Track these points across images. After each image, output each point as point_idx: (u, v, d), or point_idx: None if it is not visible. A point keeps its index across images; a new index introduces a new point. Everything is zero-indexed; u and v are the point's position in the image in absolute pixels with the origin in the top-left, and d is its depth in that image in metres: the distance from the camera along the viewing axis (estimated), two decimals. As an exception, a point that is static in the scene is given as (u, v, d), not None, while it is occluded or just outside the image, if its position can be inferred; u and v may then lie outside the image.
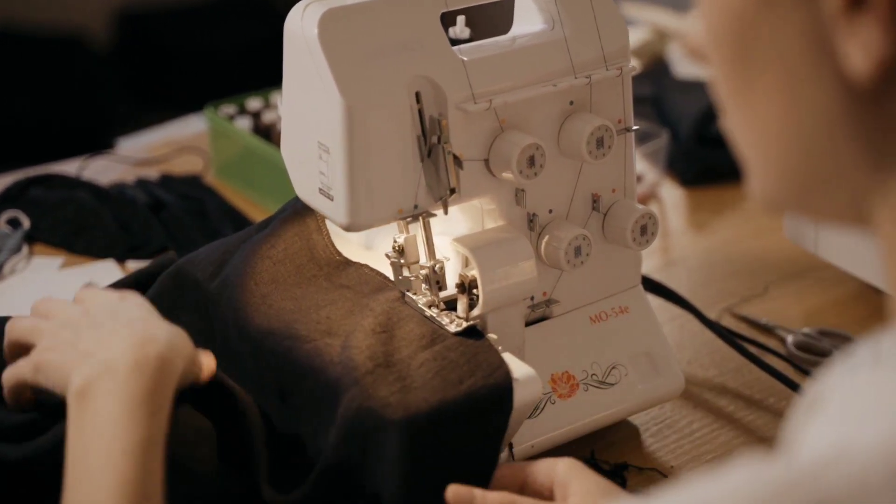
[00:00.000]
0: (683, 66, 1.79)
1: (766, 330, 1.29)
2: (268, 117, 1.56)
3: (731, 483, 0.52)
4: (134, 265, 1.41)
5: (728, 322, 1.30)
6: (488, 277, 1.01)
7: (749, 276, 1.40)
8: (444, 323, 1.01)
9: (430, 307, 1.04)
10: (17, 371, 0.94)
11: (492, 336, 1.01)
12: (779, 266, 1.41)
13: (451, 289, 1.05)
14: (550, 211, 1.07)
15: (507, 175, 1.02)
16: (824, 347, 1.25)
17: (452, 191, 1.00)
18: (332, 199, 0.99)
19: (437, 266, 1.04)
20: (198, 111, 1.75)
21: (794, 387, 1.15)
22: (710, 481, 0.53)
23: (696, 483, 0.53)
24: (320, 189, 1.01)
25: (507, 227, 1.05)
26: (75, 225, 1.46)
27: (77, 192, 1.53)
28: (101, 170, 1.64)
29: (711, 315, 1.27)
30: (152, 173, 1.62)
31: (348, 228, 1.00)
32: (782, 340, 1.27)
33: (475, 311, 1.02)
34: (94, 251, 1.44)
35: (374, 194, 0.99)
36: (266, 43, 2.37)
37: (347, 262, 1.07)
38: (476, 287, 1.02)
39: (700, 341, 1.26)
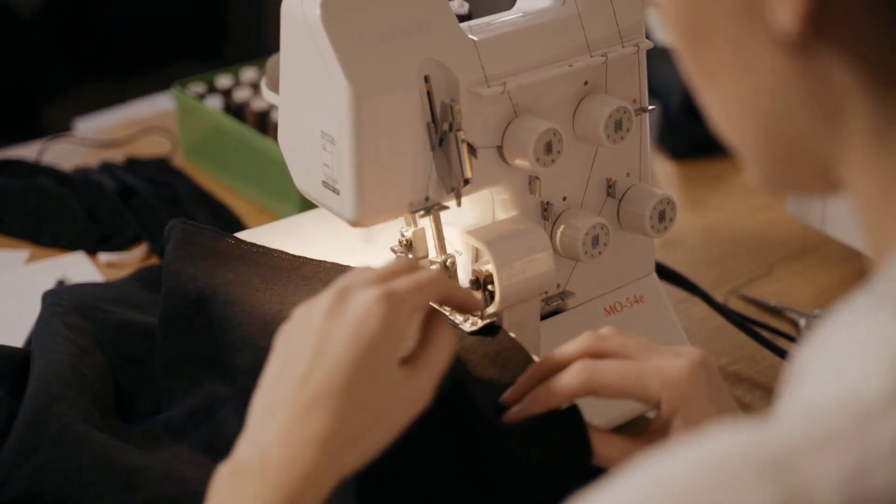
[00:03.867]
0: (666, 32, 1.73)
1: (776, 312, 1.24)
2: (239, 96, 1.48)
3: (698, 452, 0.51)
4: (106, 257, 1.33)
5: (735, 305, 1.25)
6: (505, 272, 0.95)
7: (752, 254, 1.34)
8: (457, 322, 0.95)
9: (441, 305, 0.97)
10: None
11: (510, 334, 0.94)
12: (782, 243, 1.36)
13: (463, 283, 0.99)
14: (564, 198, 1.01)
15: (521, 162, 0.95)
16: (839, 330, 1.20)
17: (467, 181, 0.93)
18: (337, 193, 0.92)
19: (449, 261, 0.97)
20: (151, 83, 1.66)
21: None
22: (679, 451, 0.52)
23: (665, 454, 0.52)
24: (324, 182, 0.94)
25: (521, 218, 0.99)
26: (40, 215, 1.38)
27: (39, 178, 1.44)
28: (61, 154, 1.55)
29: (717, 298, 1.21)
30: (117, 156, 1.54)
31: (356, 224, 0.93)
32: (794, 323, 1.22)
33: (491, 309, 0.96)
34: (62, 243, 1.35)
35: (383, 187, 0.92)
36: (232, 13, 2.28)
37: (305, 261, 1.01)
38: (491, 283, 0.95)
39: (710, 327, 1.20)
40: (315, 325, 0.78)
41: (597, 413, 0.91)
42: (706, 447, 0.52)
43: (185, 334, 1.00)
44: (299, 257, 1.01)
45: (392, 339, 0.78)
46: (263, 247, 1.02)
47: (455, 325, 0.94)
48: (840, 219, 1.25)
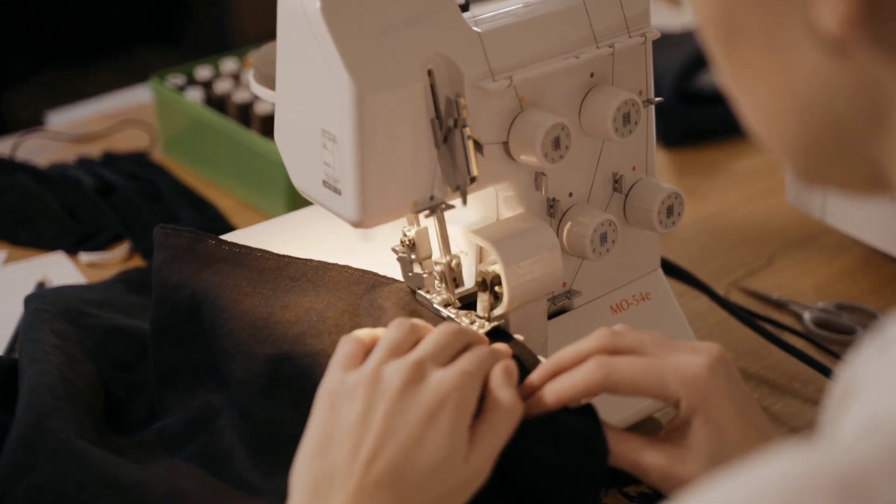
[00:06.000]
0: (656, 16, 1.70)
1: (779, 306, 1.21)
2: (220, 87, 1.44)
3: (763, 475, 0.49)
4: (87, 257, 1.28)
5: (736, 298, 1.22)
6: (513, 272, 0.91)
7: (750, 245, 1.31)
8: (463, 325, 0.92)
9: (446, 306, 0.94)
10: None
11: (518, 337, 0.91)
12: (780, 233, 1.33)
13: (467, 284, 0.96)
14: (571, 194, 0.98)
15: (528, 158, 0.92)
16: (845, 323, 1.17)
17: (473, 179, 0.89)
18: (339, 193, 0.89)
19: (454, 262, 0.94)
20: (122, 74, 1.62)
21: (820, 369, 1.08)
22: (743, 474, 0.49)
23: (727, 478, 0.50)
24: (324, 182, 0.90)
25: (527, 215, 0.96)
26: (17, 213, 1.34)
27: (15, 176, 1.39)
28: (35, 149, 1.50)
29: (718, 292, 1.18)
30: (93, 151, 1.49)
31: (359, 225, 0.89)
32: (798, 317, 1.20)
33: (498, 311, 0.93)
34: (41, 243, 1.31)
35: (386, 186, 0.88)
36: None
37: (290, 260, 0.98)
38: (499, 284, 0.92)
39: (712, 322, 1.18)
40: (387, 396, 0.76)
41: (605, 413, 0.87)
42: (770, 472, 0.49)
43: (178, 346, 0.97)
44: (284, 257, 0.98)
45: (465, 425, 0.77)
46: (246, 247, 0.99)
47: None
48: (841, 208, 1.22)
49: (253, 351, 0.92)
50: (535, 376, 0.84)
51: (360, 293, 0.94)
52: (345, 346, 0.81)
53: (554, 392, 0.82)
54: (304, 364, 0.88)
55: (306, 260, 0.98)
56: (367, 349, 0.82)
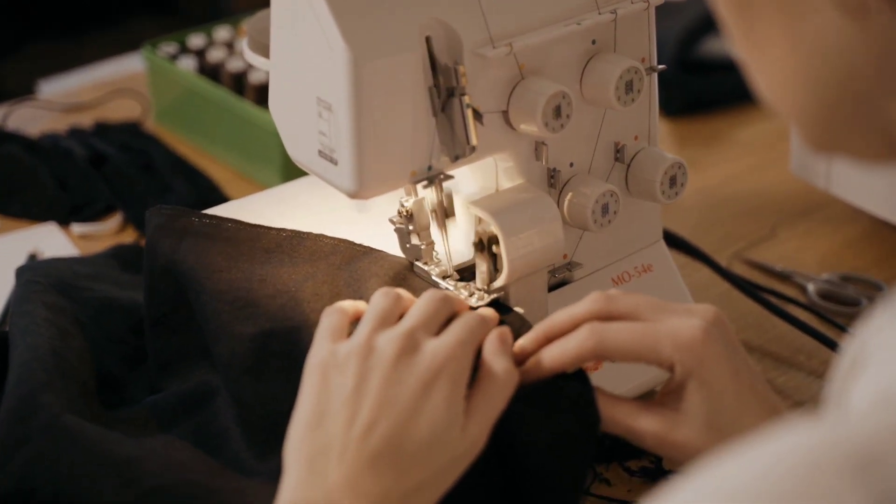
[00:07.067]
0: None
1: (783, 277, 1.20)
2: (213, 56, 1.42)
3: (774, 450, 0.47)
4: (79, 229, 1.26)
5: (739, 270, 1.20)
6: (513, 244, 0.89)
7: (752, 216, 1.29)
8: (462, 297, 0.90)
9: (444, 278, 0.92)
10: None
11: (518, 310, 0.89)
12: (783, 204, 1.31)
13: (464, 256, 0.94)
14: (572, 164, 0.96)
15: (528, 127, 0.90)
16: (849, 295, 1.15)
17: (473, 149, 0.87)
18: (335, 163, 0.86)
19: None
20: (113, 42, 1.59)
21: (825, 341, 1.06)
22: (753, 449, 0.48)
23: (737, 453, 0.48)
24: (320, 152, 0.88)
25: (527, 186, 0.94)
26: (8, 184, 1.31)
27: (5, 145, 1.37)
28: (26, 118, 1.48)
29: (720, 263, 1.16)
30: (85, 121, 1.47)
31: (356, 196, 0.87)
32: (802, 288, 1.18)
33: (497, 283, 0.91)
34: (32, 214, 1.29)
35: (383, 156, 0.86)
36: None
37: (264, 231, 0.96)
38: (496, 244, 0.90)
39: (715, 293, 1.16)
40: (381, 367, 0.75)
41: (607, 386, 0.85)
42: (781, 447, 0.47)
43: (175, 334, 0.96)
44: (257, 227, 0.96)
45: (461, 395, 0.76)
46: (217, 217, 0.97)
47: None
48: (846, 178, 1.20)
49: (236, 331, 0.90)
50: (527, 341, 0.82)
51: (337, 264, 0.93)
52: (329, 318, 0.80)
53: (546, 359, 0.81)
54: (288, 340, 0.87)
55: (280, 230, 0.96)
56: (352, 320, 0.80)
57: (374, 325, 0.78)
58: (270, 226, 0.96)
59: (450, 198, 0.92)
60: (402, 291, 0.82)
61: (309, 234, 0.95)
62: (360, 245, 0.94)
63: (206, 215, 0.97)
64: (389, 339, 0.76)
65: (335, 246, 0.94)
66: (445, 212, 0.91)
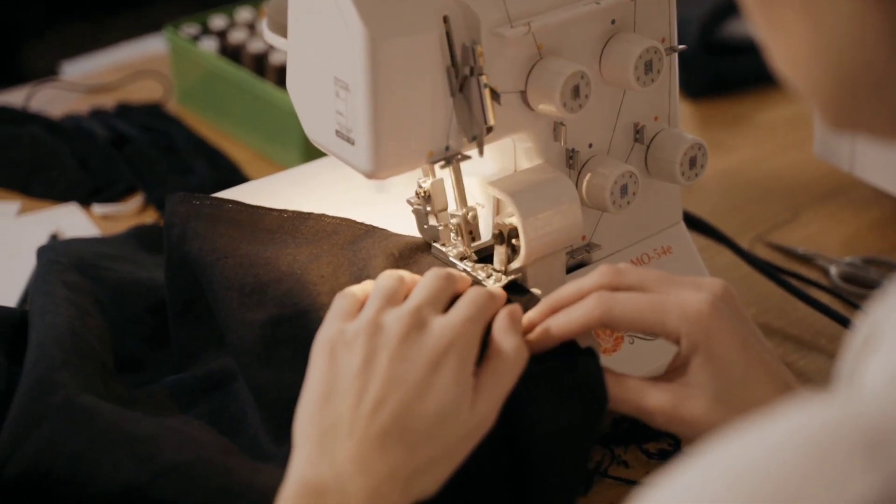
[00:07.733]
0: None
1: (805, 260, 1.19)
2: (235, 37, 1.41)
3: (786, 428, 0.47)
4: (101, 209, 1.27)
5: (761, 252, 1.20)
6: (531, 225, 0.89)
7: (775, 199, 1.29)
8: (480, 277, 0.90)
9: (461, 260, 0.92)
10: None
11: (535, 291, 0.89)
12: (806, 186, 1.30)
13: (484, 237, 0.94)
14: (590, 145, 0.95)
15: (546, 108, 0.89)
16: (872, 278, 1.15)
17: (490, 129, 0.87)
18: (352, 143, 0.86)
19: (471, 214, 0.92)
20: (136, 24, 1.59)
21: (847, 324, 1.05)
22: (765, 426, 0.47)
23: (749, 431, 0.48)
24: (337, 131, 0.87)
25: (545, 167, 0.93)
26: (31, 164, 1.32)
27: (27, 126, 1.37)
28: (49, 99, 1.48)
29: (742, 246, 1.16)
30: (107, 102, 1.47)
31: (372, 176, 0.87)
32: (824, 271, 1.17)
33: (515, 264, 0.90)
34: (54, 194, 1.29)
35: (401, 136, 0.86)
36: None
37: (265, 212, 0.96)
38: (516, 237, 0.90)
39: (736, 276, 1.15)
40: (389, 344, 0.75)
41: (625, 370, 0.85)
42: (794, 424, 0.47)
43: (197, 322, 0.96)
44: (258, 208, 0.96)
45: (469, 372, 0.75)
46: (216, 198, 0.96)
47: (477, 281, 0.88)
48: (871, 159, 1.19)
49: (245, 319, 0.90)
50: (534, 313, 0.82)
51: (341, 244, 0.93)
52: (341, 301, 0.80)
53: (554, 327, 0.80)
54: (297, 324, 0.87)
55: (281, 211, 0.96)
56: (363, 304, 0.80)
57: (381, 304, 0.78)
58: (272, 207, 0.96)
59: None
60: (405, 273, 0.82)
61: (311, 213, 0.95)
62: (361, 224, 0.94)
63: (207, 197, 0.97)
64: (397, 317, 0.76)
65: (337, 225, 0.94)
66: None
